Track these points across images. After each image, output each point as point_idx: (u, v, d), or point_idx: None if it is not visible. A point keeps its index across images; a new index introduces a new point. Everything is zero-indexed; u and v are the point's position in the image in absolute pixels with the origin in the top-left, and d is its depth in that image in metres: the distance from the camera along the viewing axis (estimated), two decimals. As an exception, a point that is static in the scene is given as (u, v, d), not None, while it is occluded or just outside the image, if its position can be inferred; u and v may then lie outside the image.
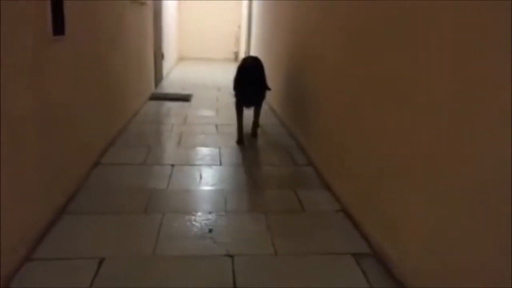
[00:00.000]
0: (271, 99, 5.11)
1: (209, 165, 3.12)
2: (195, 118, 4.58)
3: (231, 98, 5.80)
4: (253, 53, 7.68)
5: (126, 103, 4.07)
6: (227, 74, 8.50)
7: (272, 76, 5.02)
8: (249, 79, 3.53)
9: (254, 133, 3.96)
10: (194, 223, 2.23)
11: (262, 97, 3.71)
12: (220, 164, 3.15)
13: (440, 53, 1.52)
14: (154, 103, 5.23)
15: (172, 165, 3.06)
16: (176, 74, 8.20)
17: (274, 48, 5.17)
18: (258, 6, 7.10)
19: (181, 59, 11.23)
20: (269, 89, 3.61)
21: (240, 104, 3.70)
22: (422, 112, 1.63)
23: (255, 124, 3.97)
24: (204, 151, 3.44)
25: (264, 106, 5.16)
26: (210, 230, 2.15)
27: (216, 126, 4.27)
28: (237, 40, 11.30)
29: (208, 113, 4.88)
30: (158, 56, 6.55)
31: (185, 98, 5.58)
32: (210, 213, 2.36)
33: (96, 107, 3.01)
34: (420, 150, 1.65)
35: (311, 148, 3.32)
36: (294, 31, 4.03)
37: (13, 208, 1.72)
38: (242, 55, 9.95)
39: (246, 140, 3.79)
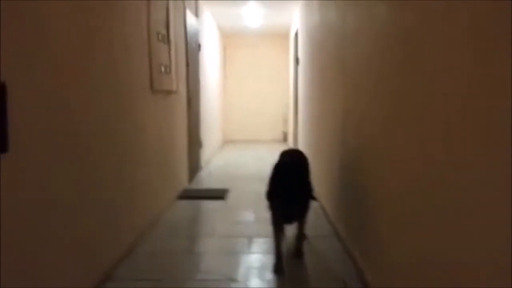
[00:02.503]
0: (321, 196, 4.15)
1: (229, 320, 2.15)
2: (226, 226, 3.69)
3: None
4: (300, 134, 6.88)
5: (137, 215, 3.29)
6: (274, 158, 7.72)
7: (321, 167, 4.10)
8: (289, 187, 2.60)
9: (298, 252, 2.97)
10: None
11: (306, 208, 2.74)
12: (245, 318, 2.18)
13: None
14: (182, 204, 4.44)
15: (176, 321, 2.13)
16: (218, 162, 7.53)
17: (323, 132, 4.31)
18: (303, 85, 6.42)
19: (226, 142, 10.70)
20: (314, 199, 2.66)
21: (278, 220, 2.76)
22: None
23: (300, 238, 3.00)
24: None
25: (314, 204, 4.20)
26: None
27: (250, 240, 3.33)
28: (285, 119, 10.67)
29: (243, 217, 3.98)
30: (195, 145, 5.92)
31: (220, 195, 4.76)
32: None
33: (76, 239, 2.23)
34: None
35: (378, 283, 2.27)
36: (345, 115, 3.17)
37: None
38: (290, 136, 9.21)
39: (287, 263, 2.81)
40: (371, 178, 2.46)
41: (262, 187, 5.29)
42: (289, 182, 2.59)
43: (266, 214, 4.00)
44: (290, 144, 9.31)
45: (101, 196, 2.55)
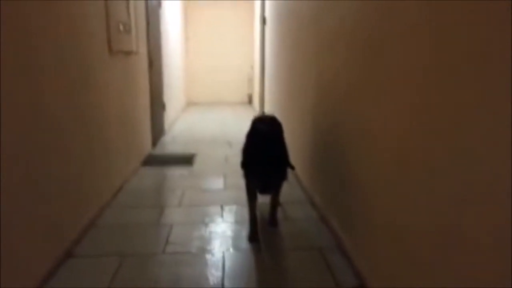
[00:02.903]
0: (293, 161, 4.03)
1: (205, 296, 2.02)
2: (195, 194, 3.52)
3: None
4: (267, 96, 6.69)
5: (100, 184, 3.05)
6: (240, 121, 7.53)
7: (293, 130, 3.97)
8: (265, 157, 2.41)
9: (272, 220, 2.86)
10: None
11: (282, 178, 2.59)
12: (223, 292, 2.05)
13: None
14: (147, 171, 4.22)
15: (147, 300, 1.98)
16: (182, 125, 7.25)
17: (294, 94, 4.15)
18: (270, 46, 6.17)
19: (190, 104, 10.37)
20: (292, 167, 2.51)
21: (253, 189, 2.61)
22: None
23: (274, 206, 2.88)
24: (200, 261, 2.35)
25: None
26: None
27: (222, 207, 3.19)
28: (250, 81, 10.42)
29: (213, 184, 3.82)
30: (158, 108, 5.62)
31: (187, 161, 4.56)
32: None
33: (31, 219, 1.99)
34: None
35: (359, 257, 2.20)
36: (318, 76, 3.00)
37: None
38: (256, 99, 9.02)
39: (262, 231, 2.70)
40: (348, 142, 2.35)
41: (229, 152, 5.14)
42: (265, 151, 2.41)
43: (235, 180, 3.87)
44: (256, 107, 9.14)
45: (61, 164, 2.29)
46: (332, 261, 2.36)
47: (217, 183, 3.82)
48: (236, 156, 4.85)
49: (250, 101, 10.64)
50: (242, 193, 3.37)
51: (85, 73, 2.72)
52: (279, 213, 3.00)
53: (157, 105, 5.53)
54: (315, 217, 3.00)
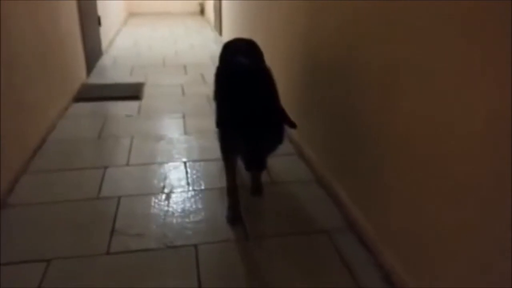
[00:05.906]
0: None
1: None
2: (147, 144, 2.68)
3: (202, 87, 3.90)
4: (226, 8, 5.58)
5: (9, 141, 2.13)
6: (193, 38, 6.44)
7: (272, 59, 3.10)
8: (252, 110, 1.53)
9: (256, 188, 2.12)
10: None
11: (278, 142, 1.63)
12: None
13: None
14: (81, 110, 3.26)
15: None
16: (123, 42, 6.07)
17: (273, 9, 3.21)
18: None
19: (131, 15, 8.93)
20: (293, 125, 1.66)
21: (232, 155, 1.80)
22: None
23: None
24: (161, 265, 1.62)
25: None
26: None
27: (186, 165, 2.41)
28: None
29: (170, 127, 2.97)
30: (91, 23, 4.44)
31: (133, 94, 3.62)
32: None
33: None
34: None
35: (384, 246, 1.57)
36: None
37: None
38: (209, 8, 7.80)
39: (246, 203, 1.98)
40: (354, 83, 1.60)
41: (185, 79, 4.19)
42: (253, 101, 1.55)
43: (198, 121, 3.04)
44: (210, 19, 7.94)
45: None
46: (343, 250, 1.70)
47: (175, 126, 2.98)
48: (194, 85, 3.97)
49: (201, 11, 9.35)
50: (208, 142, 2.61)
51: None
52: (263, 173, 2.26)
53: (89, 19, 4.36)
54: (311, 178, 2.30)
